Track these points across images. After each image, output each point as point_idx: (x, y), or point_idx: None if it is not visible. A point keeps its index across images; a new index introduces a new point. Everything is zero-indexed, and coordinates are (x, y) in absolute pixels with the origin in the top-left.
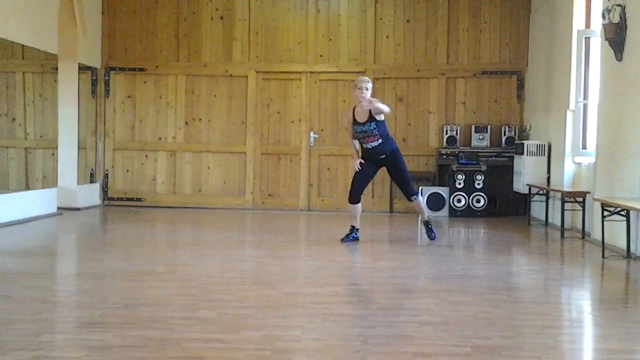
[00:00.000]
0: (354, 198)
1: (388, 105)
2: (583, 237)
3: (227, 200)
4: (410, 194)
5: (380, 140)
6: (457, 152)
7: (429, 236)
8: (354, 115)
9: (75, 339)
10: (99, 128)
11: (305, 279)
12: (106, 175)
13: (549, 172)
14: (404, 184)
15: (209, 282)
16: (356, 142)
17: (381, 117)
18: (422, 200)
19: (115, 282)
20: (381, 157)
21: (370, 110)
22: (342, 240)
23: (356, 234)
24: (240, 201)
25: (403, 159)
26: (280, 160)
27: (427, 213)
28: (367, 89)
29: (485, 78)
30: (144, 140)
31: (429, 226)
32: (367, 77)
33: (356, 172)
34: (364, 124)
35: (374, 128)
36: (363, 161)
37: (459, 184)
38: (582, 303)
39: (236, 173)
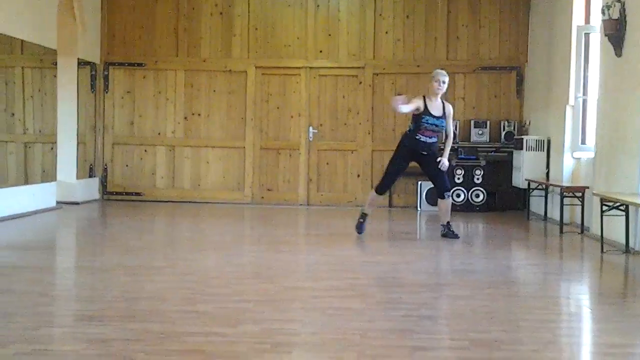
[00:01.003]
0: (384, 190)
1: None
2: (582, 231)
3: (226, 195)
4: (444, 190)
5: (435, 139)
6: (456, 147)
7: (455, 237)
8: (426, 105)
9: (75, 333)
10: (98, 123)
11: (304, 273)
12: (105, 170)
13: (548, 167)
14: (442, 180)
15: (208, 275)
16: (404, 108)
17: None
18: (450, 201)
19: (115, 275)
20: (424, 152)
21: (443, 107)
22: (358, 228)
23: (365, 225)
24: (239, 196)
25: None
26: (279, 155)
27: (449, 217)
28: (444, 82)
29: (484, 73)
30: (143, 135)
31: (451, 229)
32: (445, 71)
33: (394, 166)
34: (438, 118)
35: (443, 126)
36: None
37: (458, 178)
38: (580, 297)
39: (235, 168)
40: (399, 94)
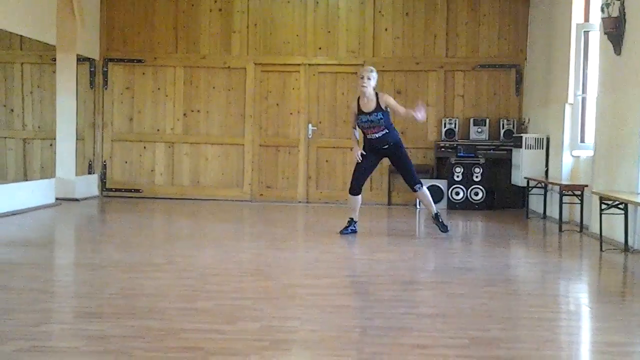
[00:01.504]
0: (355, 189)
1: (422, 110)
2: (581, 230)
3: (226, 192)
4: (413, 183)
5: (385, 131)
6: (455, 145)
7: (442, 230)
8: (359, 106)
9: (74, 329)
10: (97, 119)
11: (303, 271)
12: (104, 166)
13: (547, 165)
14: (408, 173)
15: (207, 273)
16: (357, 132)
17: (387, 108)
18: (427, 191)
19: (114, 272)
20: (384, 147)
21: (377, 100)
22: (341, 232)
23: (354, 227)
24: (238, 193)
25: (405, 149)
26: (278, 152)
27: (435, 207)
28: (369, 78)
29: (484, 71)
30: (142, 132)
31: (440, 220)
32: (371, 67)
33: (358, 163)
34: (370, 113)
35: (381, 118)
36: (364, 152)
37: (457, 176)
38: (579, 296)
39: (234, 165)
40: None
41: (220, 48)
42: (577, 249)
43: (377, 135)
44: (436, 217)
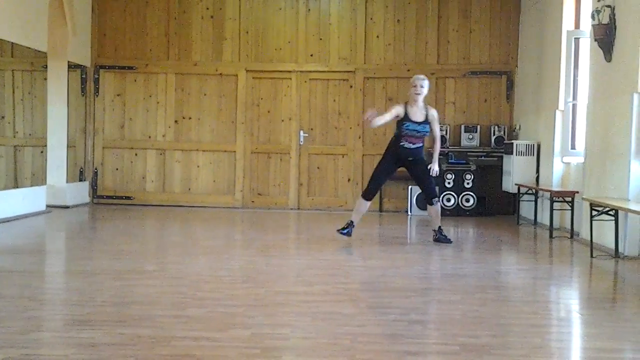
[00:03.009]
0: (371, 195)
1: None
2: (572, 236)
3: (217, 199)
4: (432, 196)
5: (421, 144)
6: (446, 152)
7: (445, 242)
8: (406, 112)
9: (64, 337)
10: (88, 126)
11: (294, 278)
12: (95, 174)
13: (538, 171)
14: (429, 186)
15: (199, 280)
16: (379, 121)
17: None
18: (439, 207)
19: (105, 280)
20: (409, 158)
21: (426, 112)
22: (338, 231)
23: (350, 231)
24: (229, 200)
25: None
26: (270, 159)
27: (439, 222)
28: (422, 86)
29: (475, 78)
30: (134, 139)
31: (443, 233)
32: (423, 75)
33: (380, 168)
34: (420, 123)
35: (427, 131)
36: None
37: (449, 183)
38: (570, 302)
39: (226, 172)
40: (370, 110)
41: (212, 55)
42: (568, 256)
43: (413, 146)
44: (439, 230)
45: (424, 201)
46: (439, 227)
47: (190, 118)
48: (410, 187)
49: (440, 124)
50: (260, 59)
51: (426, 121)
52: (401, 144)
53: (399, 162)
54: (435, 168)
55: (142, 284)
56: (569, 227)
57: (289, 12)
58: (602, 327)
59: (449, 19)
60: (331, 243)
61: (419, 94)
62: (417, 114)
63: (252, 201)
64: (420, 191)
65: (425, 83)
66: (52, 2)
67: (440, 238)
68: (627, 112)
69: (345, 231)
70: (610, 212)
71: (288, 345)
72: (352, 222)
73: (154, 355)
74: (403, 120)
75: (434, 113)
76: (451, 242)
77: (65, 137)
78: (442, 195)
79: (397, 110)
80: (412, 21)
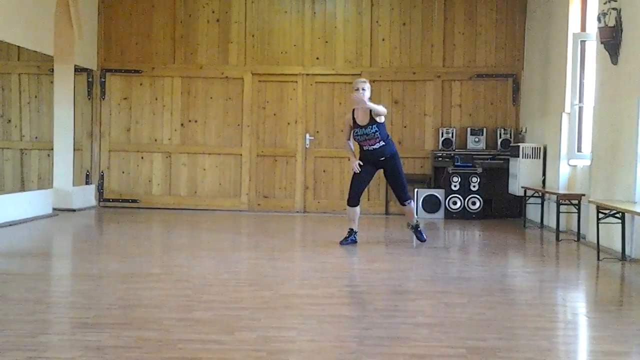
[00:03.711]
0: (354, 201)
1: (384, 105)
2: (578, 239)
3: (223, 202)
4: (404, 199)
5: (381, 143)
6: (452, 155)
7: (419, 239)
8: (354, 118)
9: (71, 340)
10: (94, 129)
11: (300, 281)
12: (102, 177)
13: (544, 174)
14: (400, 187)
15: (205, 283)
16: (351, 143)
17: (381, 119)
18: (413, 205)
19: (111, 283)
20: (381, 159)
21: (371, 113)
22: (341, 243)
23: (354, 237)
24: (235, 203)
25: (401, 163)
26: (276, 162)
27: (416, 217)
28: (364, 89)
29: (481, 81)
30: (140, 142)
31: (418, 229)
32: (363, 78)
33: (355, 175)
34: (365, 126)
35: (376, 130)
36: (361, 162)
37: (455, 186)
38: (577, 305)
39: (232, 175)
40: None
41: (218, 58)
42: (575, 258)
43: (374, 147)
44: (416, 226)
45: (432, 204)
46: (417, 223)
47: (196, 121)
48: (416, 190)
49: (446, 126)
50: (266, 62)
51: (372, 122)
52: (365, 148)
53: (372, 165)
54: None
55: (148, 286)
56: (575, 229)
57: (295, 16)
58: (609, 329)
59: (454, 21)
60: (337, 246)
61: (362, 96)
62: (362, 117)
63: (258, 204)
64: (425, 195)
65: (367, 86)
66: (59, 6)
67: (415, 234)
68: (633, 115)
69: (348, 240)
70: (617, 215)
71: (294, 348)
72: (351, 229)
73: (160, 358)
74: (353, 128)
75: (369, 105)
76: (425, 240)
77: (72, 141)
78: (448, 198)
79: (348, 120)
80: (417, 24)
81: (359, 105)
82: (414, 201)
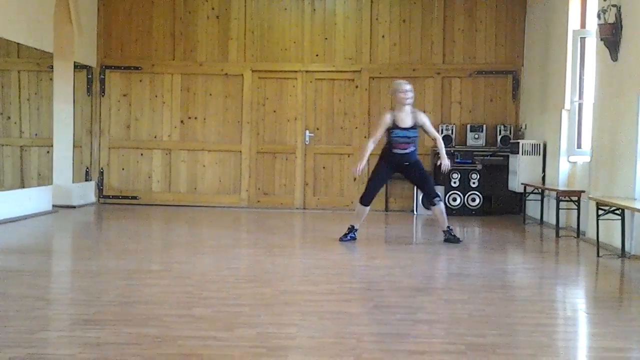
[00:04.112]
0: (368, 200)
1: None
2: (578, 235)
3: (223, 199)
4: (433, 197)
5: (413, 148)
6: (452, 151)
7: (454, 242)
8: (394, 119)
9: (70, 337)
10: (94, 126)
11: (300, 277)
12: (101, 174)
13: (544, 171)
14: (429, 187)
15: (204, 279)
16: (372, 146)
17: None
18: (443, 206)
19: (111, 279)
20: (406, 163)
21: (413, 117)
22: (341, 239)
23: (354, 234)
24: (235, 200)
25: (422, 165)
26: (275, 158)
27: (447, 221)
28: (409, 91)
29: (480, 77)
30: (140, 139)
31: (452, 233)
32: (406, 80)
33: (375, 175)
34: (408, 129)
35: (416, 135)
36: (383, 165)
37: (454, 182)
38: (576, 301)
39: (232, 171)
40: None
41: (218, 55)
42: (574, 255)
43: (405, 151)
44: (449, 229)
45: (427, 203)
46: (448, 226)
47: (196, 118)
48: (415, 186)
49: (445, 123)
50: (265, 59)
51: (414, 126)
52: (394, 151)
53: (395, 169)
54: (445, 162)
55: (148, 283)
56: (575, 226)
57: (295, 12)
58: (609, 326)
59: (454, 18)
60: (337, 243)
61: (408, 98)
62: (405, 120)
63: (258, 201)
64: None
65: (411, 88)
66: (58, 2)
67: (450, 238)
68: (633, 112)
69: (347, 237)
70: (617, 212)
71: (294, 345)
72: (352, 226)
73: (160, 355)
74: (391, 129)
75: (421, 117)
76: (460, 241)
77: (71, 137)
78: (448, 195)
79: (386, 121)
80: (417, 21)
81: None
82: (414, 198)
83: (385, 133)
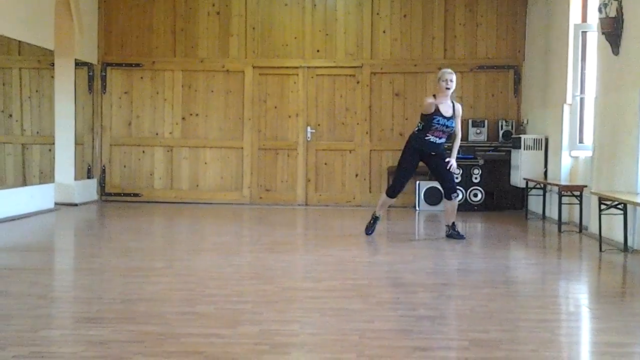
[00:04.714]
0: (395, 193)
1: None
2: (580, 230)
3: (225, 196)
4: (453, 190)
5: (444, 139)
6: None
7: (461, 237)
8: (437, 105)
9: (73, 335)
10: (95, 124)
11: (302, 274)
12: (103, 171)
13: (546, 166)
14: (451, 179)
15: (207, 277)
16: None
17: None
18: (457, 203)
19: (113, 277)
20: (433, 152)
21: (454, 107)
22: (367, 232)
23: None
24: (237, 196)
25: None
26: (277, 155)
27: (454, 218)
28: (451, 81)
29: (482, 72)
30: (141, 136)
31: (456, 229)
32: (450, 69)
33: (404, 167)
34: (449, 118)
35: (453, 127)
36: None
37: (457, 178)
38: (579, 296)
39: (233, 168)
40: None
41: (219, 51)
42: (577, 250)
43: (438, 141)
44: (453, 225)
45: (433, 196)
46: (453, 222)
47: (197, 115)
48: (418, 182)
49: None
50: (266, 55)
51: (453, 117)
52: (427, 137)
53: (421, 157)
54: (454, 164)
55: (150, 281)
56: (577, 221)
57: (295, 8)
58: (612, 321)
59: (455, 13)
60: (339, 239)
61: (449, 88)
62: (446, 109)
63: (260, 197)
64: (428, 187)
65: (454, 77)
66: (59, 0)
67: (452, 234)
68: (635, 106)
69: (373, 229)
70: (619, 206)
71: (297, 341)
72: (377, 216)
73: (163, 352)
74: (433, 115)
75: (459, 109)
76: (464, 238)
77: (73, 135)
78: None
79: (430, 103)
80: (418, 16)
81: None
82: (416, 194)
83: (422, 118)
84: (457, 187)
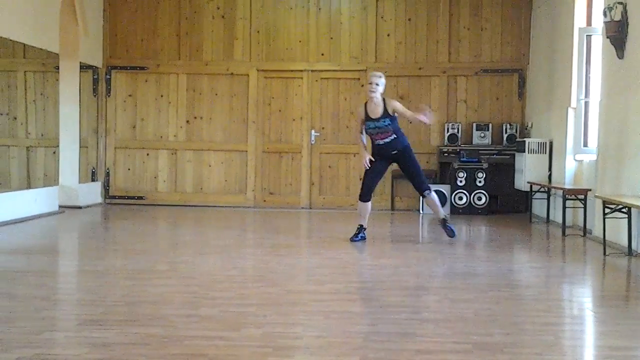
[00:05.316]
0: (365, 196)
1: (427, 114)
2: (584, 234)
3: (229, 199)
4: (423, 189)
5: (393, 136)
6: (458, 150)
7: (448, 235)
8: (366, 111)
9: (77, 337)
10: (100, 126)
11: (306, 277)
12: (107, 174)
13: (550, 169)
14: (417, 178)
15: (211, 279)
16: (364, 137)
17: (395, 114)
18: (435, 196)
19: (117, 279)
20: (393, 152)
21: (385, 106)
22: (351, 239)
23: (364, 234)
24: (241, 199)
25: (414, 155)
26: (281, 158)
27: (443, 211)
28: (377, 84)
29: (486, 76)
30: (146, 139)
31: (447, 225)
32: (379, 72)
33: (367, 169)
34: (377, 119)
35: (389, 124)
36: (372, 158)
37: (461, 181)
38: (583, 300)
39: (237, 171)
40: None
41: (223, 55)
42: (581, 253)
43: (385, 141)
44: (443, 221)
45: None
46: (443, 218)
47: (201, 118)
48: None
49: (451, 122)
50: (271, 59)
51: (385, 115)
52: (375, 142)
53: (386, 159)
54: (426, 113)
55: (154, 283)
56: (581, 224)
57: (300, 11)
58: (616, 325)
59: (460, 16)
60: (343, 242)
61: (374, 92)
62: (375, 111)
63: (264, 200)
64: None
65: (381, 81)
66: (64, 3)
67: (444, 229)
68: (639, 109)
69: (358, 237)
70: (624, 210)
71: (300, 344)
72: (361, 226)
73: (166, 355)
74: (365, 121)
75: (391, 104)
76: (454, 236)
77: (78, 138)
78: (454, 194)
79: (359, 114)
80: (423, 19)
81: (429, 121)
82: (419, 198)
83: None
84: (427, 184)
